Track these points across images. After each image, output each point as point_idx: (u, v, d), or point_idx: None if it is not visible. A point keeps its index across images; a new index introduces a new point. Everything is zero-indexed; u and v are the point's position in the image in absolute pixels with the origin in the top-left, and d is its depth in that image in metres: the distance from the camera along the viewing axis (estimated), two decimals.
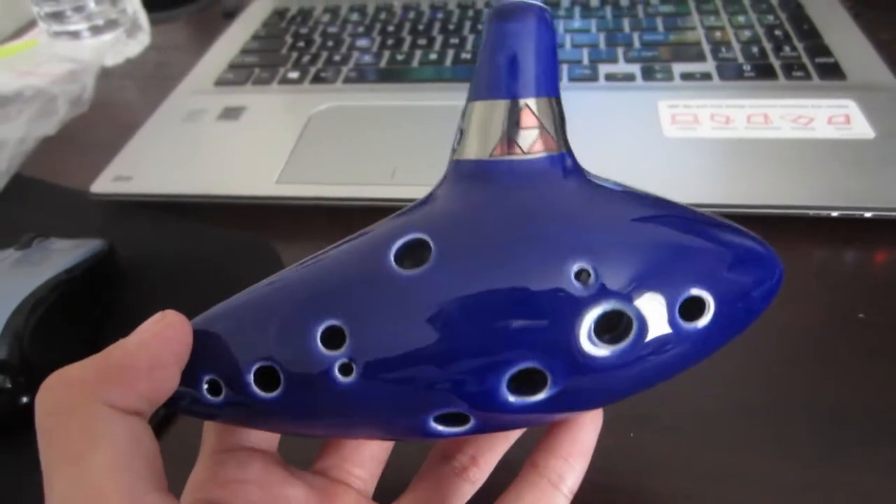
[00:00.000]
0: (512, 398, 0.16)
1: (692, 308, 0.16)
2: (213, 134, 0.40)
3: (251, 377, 0.16)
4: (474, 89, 0.17)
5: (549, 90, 0.17)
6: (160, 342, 0.16)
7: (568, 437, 0.18)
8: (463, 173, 0.17)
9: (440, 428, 0.17)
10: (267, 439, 0.19)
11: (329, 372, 0.16)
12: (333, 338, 0.16)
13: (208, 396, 0.17)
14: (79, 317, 0.30)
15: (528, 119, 0.17)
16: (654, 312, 0.16)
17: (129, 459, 0.14)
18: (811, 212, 0.31)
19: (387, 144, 0.37)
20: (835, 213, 0.31)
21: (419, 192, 0.33)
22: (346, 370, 0.16)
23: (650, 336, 0.16)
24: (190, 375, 0.17)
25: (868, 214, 0.30)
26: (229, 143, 0.39)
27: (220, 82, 0.45)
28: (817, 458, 0.23)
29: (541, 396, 0.16)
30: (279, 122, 0.41)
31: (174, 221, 0.36)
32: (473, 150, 0.17)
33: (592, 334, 0.16)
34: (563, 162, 0.17)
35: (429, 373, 0.16)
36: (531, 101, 0.17)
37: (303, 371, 0.16)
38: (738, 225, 0.18)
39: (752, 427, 0.24)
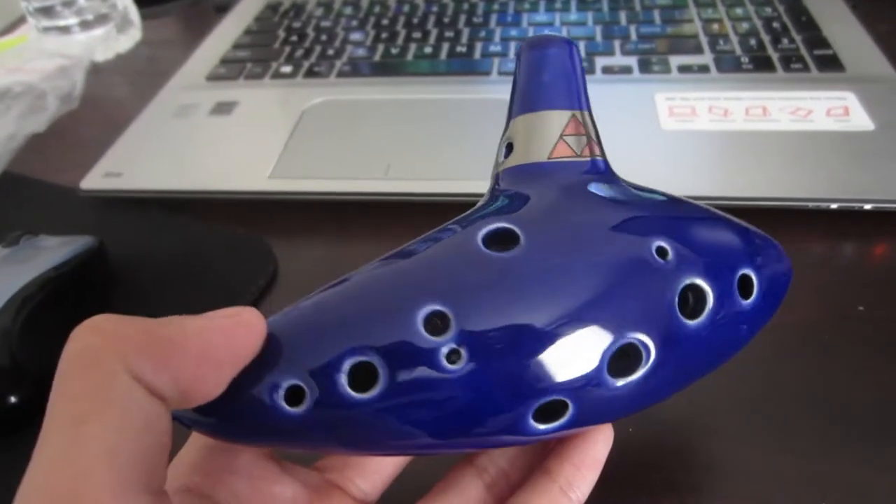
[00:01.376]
0: (613, 380, 0.16)
1: (746, 286, 0.18)
2: (205, 129, 0.40)
3: (344, 376, 0.15)
4: (522, 104, 0.19)
5: (587, 105, 0.20)
6: (224, 337, 0.14)
7: (582, 446, 0.18)
8: (519, 177, 0.19)
9: (540, 426, 0.16)
10: None
11: (436, 359, 0.15)
12: (437, 324, 0.15)
13: (285, 406, 0.15)
14: (68, 314, 0.29)
15: (578, 127, 0.19)
16: (721, 285, 0.17)
17: (133, 444, 0.12)
18: (810, 204, 0.30)
19: (381, 139, 0.37)
20: (834, 206, 0.30)
21: (413, 187, 0.33)
22: (453, 356, 0.15)
23: (722, 307, 0.17)
24: (262, 383, 0.15)
25: (867, 206, 0.30)
26: (222, 138, 0.39)
27: (212, 77, 0.45)
28: (816, 450, 0.23)
29: (638, 374, 0.16)
30: (272, 117, 0.40)
31: (165, 218, 0.36)
32: (530, 155, 0.19)
33: (677, 311, 0.17)
34: (607, 166, 0.19)
35: (535, 348, 0.15)
36: (579, 113, 0.19)
37: (408, 362, 0.15)
38: (742, 222, 0.20)
39: (751, 420, 0.24)
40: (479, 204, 0.19)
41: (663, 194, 0.20)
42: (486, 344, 0.15)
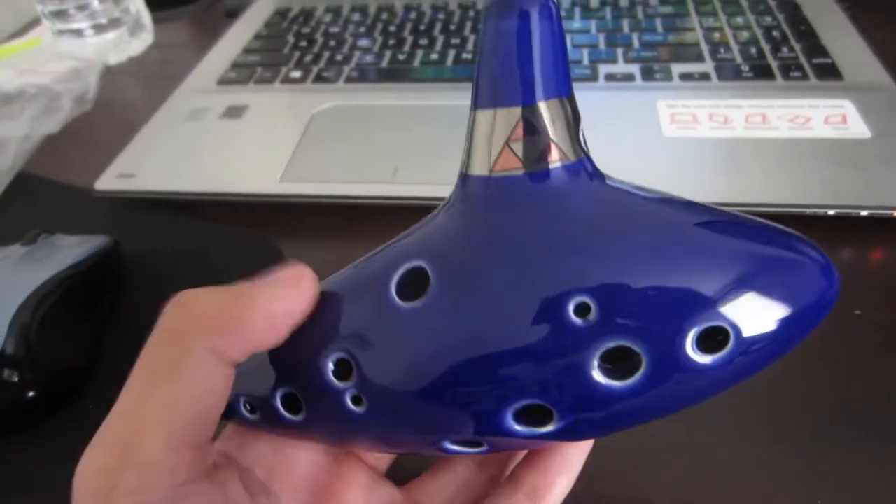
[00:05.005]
0: (519, 427, 0.15)
1: (709, 341, 0.15)
2: (216, 132, 0.41)
3: (278, 402, 0.17)
4: (475, 97, 0.16)
5: (559, 90, 0.15)
6: (285, 304, 0.16)
7: (549, 451, 0.18)
8: (467, 190, 0.16)
9: (455, 448, 0.17)
10: None
11: (342, 401, 0.16)
12: (343, 369, 0.16)
13: (245, 412, 0.18)
14: (84, 312, 0.30)
15: (531, 128, 0.15)
16: (662, 348, 0.14)
17: (191, 406, 0.15)
18: (808, 210, 0.31)
19: (388, 143, 0.38)
20: (831, 212, 0.31)
21: (420, 191, 0.34)
22: (356, 400, 0.16)
23: (661, 371, 0.15)
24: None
25: (864, 213, 0.31)
26: (233, 141, 0.40)
27: (223, 81, 0.46)
28: (813, 449, 0.23)
29: (549, 428, 0.15)
30: (282, 121, 0.41)
31: (178, 219, 0.36)
32: (476, 166, 0.16)
33: (600, 370, 0.15)
34: (576, 172, 0.16)
35: (430, 409, 0.16)
36: (535, 108, 0.15)
37: (320, 401, 0.17)
38: (781, 227, 0.16)
39: (749, 419, 0.25)
40: (435, 211, 0.17)
41: (657, 197, 0.17)
42: (384, 395, 0.16)
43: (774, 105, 0.37)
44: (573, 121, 0.16)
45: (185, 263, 0.34)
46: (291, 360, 0.17)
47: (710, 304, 0.14)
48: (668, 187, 0.34)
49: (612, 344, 0.14)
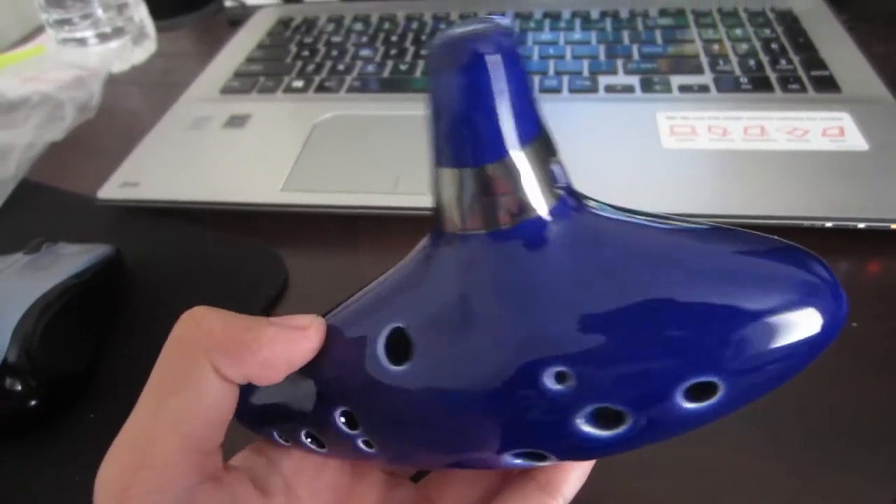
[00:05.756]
0: (519, 461, 0.16)
1: (702, 391, 0.14)
2: (218, 141, 0.41)
3: (303, 438, 0.18)
4: (436, 154, 0.15)
5: (527, 134, 0.14)
6: (287, 348, 0.17)
7: None
8: (440, 246, 0.16)
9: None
10: None
11: (356, 444, 0.17)
12: (350, 420, 0.17)
13: (281, 441, 0.19)
14: (86, 321, 0.30)
15: (499, 185, 0.14)
16: (647, 406, 0.14)
17: (200, 416, 0.16)
18: (805, 222, 0.31)
19: (390, 153, 0.38)
20: (829, 224, 0.31)
21: (422, 201, 0.34)
22: (367, 444, 0.17)
23: (649, 421, 0.14)
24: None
25: (861, 225, 0.31)
26: (235, 150, 0.40)
27: (226, 90, 0.46)
28: (808, 460, 0.24)
29: (546, 462, 0.16)
30: (284, 131, 0.41)
31: (180, 227, 0.37)
32: (446, 223, 0.15)
33: (586, 421, 0.15)
34: (550, 222, 0.15)
35: (433, 456, 0.17)
36: (503, 163, 0.14)
37: (338, 442, 0.18)
38: (788, 244, 0.15)
39: (745, 431, 0.25)
40: (412, 256, 0.17)
41: (641, 225, 0.15)
42: (389, 443, 0.17)
43: (773, 117, 0.37)
44: (546, 162, 0.15)
45: (186, 272, 0.34)
46: (307, 404, 0.18)
47: (696, 365, 0.14)
48: (666, 199, 0.35)
49: (592, 407, 0.14)
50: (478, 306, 0.15)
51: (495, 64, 0.14)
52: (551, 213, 0.15)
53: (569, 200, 0.15)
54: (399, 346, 0.16)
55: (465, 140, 0.14)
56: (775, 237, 0.15)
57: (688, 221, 0.16)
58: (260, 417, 0.19)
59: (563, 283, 0.14)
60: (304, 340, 0.17)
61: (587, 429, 0.15)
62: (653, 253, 0.14)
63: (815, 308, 0.14)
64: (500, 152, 0.14)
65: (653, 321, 0.14)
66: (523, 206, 0.14)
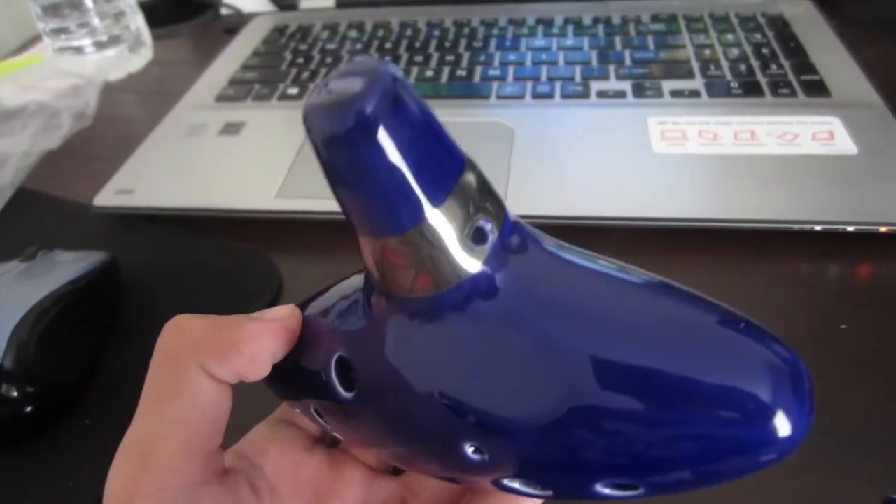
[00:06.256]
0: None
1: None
2: (213, 148, 0.41)
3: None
4: (351, 225, 0.15)
5: (435, 194, 0.13)
6: (271, 340, 0.17)
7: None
8: (375, 297, 0.16)
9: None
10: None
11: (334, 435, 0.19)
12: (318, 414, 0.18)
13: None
14: (82, 327, 0.30)
15: (414, 252, 0.13)
16: (565, 490, 0.14)
17: (198, 417, 0.16)
18: (795, 226, 0.32)
19: None
20: (818, 228, 0.31)
21: None
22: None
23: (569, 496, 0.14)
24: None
25: (850, 229, 0.31)
26: (230, 157, 0.40)
27: (221, 98, 0.46)
28: (801, 465, 0.24)
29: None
30: (278, 138, 0.42)
31: (175, 234, 0.37)
32: (376, 284, 0.15)
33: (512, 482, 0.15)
34: (471, 287, 0.13)
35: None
36: (418, 229, 0.13)
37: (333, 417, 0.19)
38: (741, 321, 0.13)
39: None
40: (357, 281, 0.17)
41: (582, 272, 0.14)
42: (350, 441, 0.19)
43: (763, 121, 0.38)
44: (468, 216, 0.13)
45: (182, 279, 0.34)
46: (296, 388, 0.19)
47: (613, 469, 0.13)
48: (657, 203, 0.35)
49: (511, 480, 0.14)
50: (402, 365, 0.15)
51: (393, 104, 0.12)
52: (471, 279, 0.13)
53: (494, 260, 0.13)
54: (346, 373, 0.17)
55: (377, 211, 0.13)
56: (732, 311, 0.13)
57: (639, 274, 0.14)
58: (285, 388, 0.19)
59: (486, 355, 0.13)
60: (284, 331, 0.18)
61: (515, 485, 0.15)
62: (589, 339, 0.13)
63: (772, 432, 0.12)
64: (407, 223, 0.13)
65: (574, 422, 0.12)
66: (438, 277, 0.13)
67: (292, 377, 0.18)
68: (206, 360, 0.16)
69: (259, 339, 0.17)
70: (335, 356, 0.17)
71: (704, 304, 0.13)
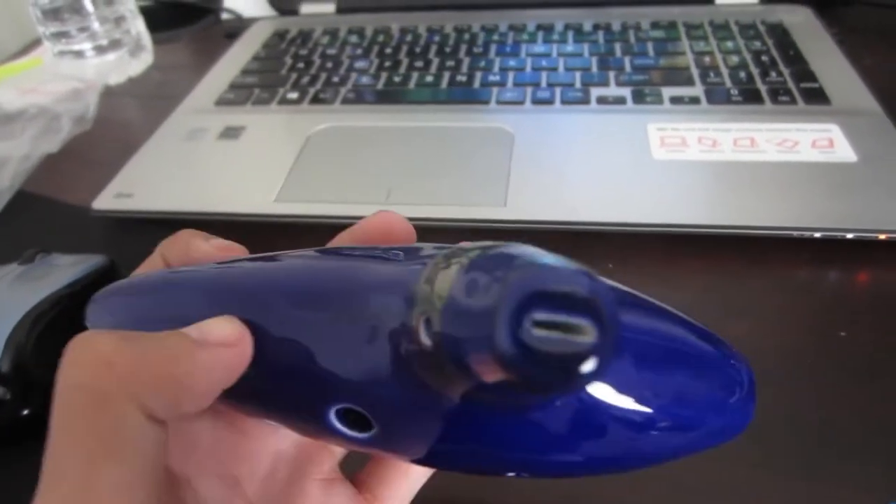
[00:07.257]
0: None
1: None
2: (213, 153, 0.41)
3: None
4: None
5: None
6: (224, 371, 0.14)
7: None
8: None
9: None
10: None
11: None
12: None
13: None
14: (80, 330, 0.30)
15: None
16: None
17: (149, 475, 0.13)
18: (794, 233, 0.32)
19: (382, 165, 0.38)
20: (817, 235, 0.31)
21: (413, 212, 0.34)
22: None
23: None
24: None
25: (850, 236, 0.31)
26: (229, 161, 0.40)
27: (221, 102, 0.46)
28: (799, 470, 0.24)
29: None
30: (278, 142, 0.42)
31: None
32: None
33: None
34: None
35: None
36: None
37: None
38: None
39: (735, 441, 0.25)
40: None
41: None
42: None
43: (762, 129, 0.38)
44: None
45: None
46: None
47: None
48: (656, 210, 0.35)
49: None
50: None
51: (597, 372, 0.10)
52: None
53: None
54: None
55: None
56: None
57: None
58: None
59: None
60: (238, 358, 0.15)
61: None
62: None
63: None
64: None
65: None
66: None
67: None
68: (149, 401, 0.13)
69: (214, 374, 0.14)
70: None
71: None
